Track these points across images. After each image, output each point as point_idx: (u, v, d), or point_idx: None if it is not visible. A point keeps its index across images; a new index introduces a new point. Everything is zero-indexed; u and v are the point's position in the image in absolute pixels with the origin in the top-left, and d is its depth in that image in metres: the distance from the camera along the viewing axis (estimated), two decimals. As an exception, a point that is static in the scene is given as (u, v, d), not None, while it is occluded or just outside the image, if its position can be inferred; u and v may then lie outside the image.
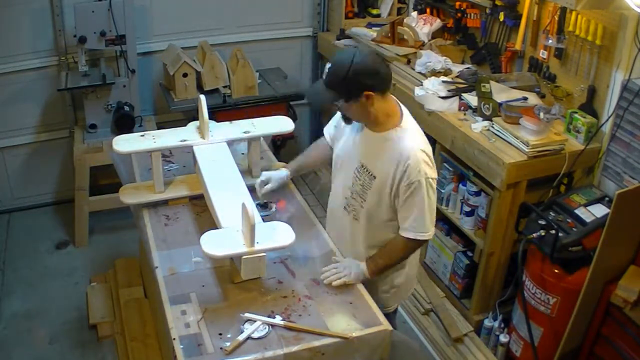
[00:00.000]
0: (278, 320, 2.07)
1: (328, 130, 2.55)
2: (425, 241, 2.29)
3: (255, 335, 2.01)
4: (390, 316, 2.47)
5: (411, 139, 2.19)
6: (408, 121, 2.25)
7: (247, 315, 2.08)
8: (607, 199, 2.79)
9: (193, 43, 4.12)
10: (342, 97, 2.13)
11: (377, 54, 2.20)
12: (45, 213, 4.29)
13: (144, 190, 2.69)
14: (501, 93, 3.03)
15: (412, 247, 2.31)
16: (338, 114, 2.41)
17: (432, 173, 2.20)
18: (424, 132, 2.30)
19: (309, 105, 2.34)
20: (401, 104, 2.30)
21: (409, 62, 3.73)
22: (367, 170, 2.26)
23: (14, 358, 3.15)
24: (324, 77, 2.16)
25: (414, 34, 3.90)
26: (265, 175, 2.59)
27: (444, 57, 3.58)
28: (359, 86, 2.10)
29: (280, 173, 2.62)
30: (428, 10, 4.09)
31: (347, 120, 2.28)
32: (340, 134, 2.43)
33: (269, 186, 2.57)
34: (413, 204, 2.19)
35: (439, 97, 3.23)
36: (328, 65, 2.16)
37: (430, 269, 3.58)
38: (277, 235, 2.17)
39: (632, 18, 2.66)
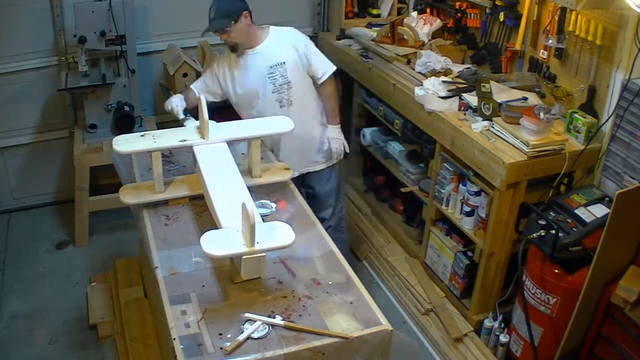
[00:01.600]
0: (278, 320, 2.07)
1: (196, 86, 3.21)
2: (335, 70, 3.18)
3: (255, 335, 2.01)
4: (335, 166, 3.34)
5: (283, 28, 3.17)
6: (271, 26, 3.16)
7: (247, 315, 2.08)
8: (607, 199, 2.79)
9: (193, 43, 4.12)
10: (230, 20, 2.91)
11: None
12: (45, 213, 4.29)
13: (144, 190, 2.69)
14: (501, 93, 3.03)
15: (335, 80, 3.22)
16: (210, 73, 3.20)
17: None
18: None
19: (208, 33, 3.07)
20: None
21: (409, 62, 3.73)
22: (276, 65, 3.05)
23: (14, 358, 3.15)
24: (212, 15, 2.94)
25: (414, 34, 3.90)
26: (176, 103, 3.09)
27: (444, 57, 3.58)
28: (239, 8, 2.94)
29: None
30: (428, 10, 4.09)
31: (234, 48, 3.04)
32: (226, 80, 3.14)
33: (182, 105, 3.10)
34: (316, 56, 3.14)
35: (439, 97, 3.23)
36: (211, 5, 2.93)
37: (430, 269, 3.58)
38: (277, 235, 2.17)
39: (632, 18, 2.66)
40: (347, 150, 3.29)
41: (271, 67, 3.06)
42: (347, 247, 3.59)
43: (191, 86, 3.25)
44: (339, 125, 3.23)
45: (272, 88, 3.08)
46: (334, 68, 3.16)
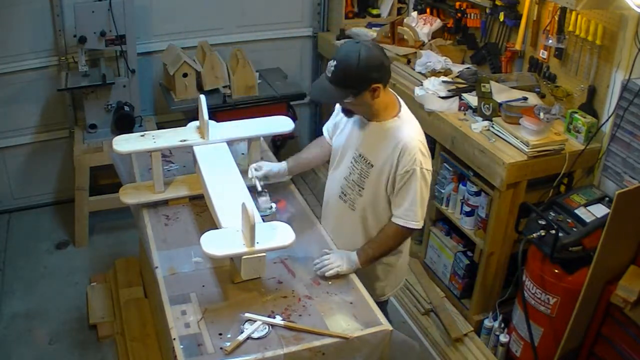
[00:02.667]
0: (278, 320, 2.07)
1: (327, 127, 2.58)
2: (415, 231, 2.32)
3: (255, 335, 2.01)
4: (383, 305, 2.51)
5: (409, 129, 2.25)
6: (406, 112, 2.31)
7: (247, 315, 2.08)
8: (607, 199, 2.79)
9: (193, 43, 4.12)
10: (351, 93, 2.16)
11: (378, 46, 2.24)
12: (45, 213, 4.29)
13: (144, 190, 2.69)
14: (501, 93, 3.03)
15: (402, 236, 2.35)
16: (337, 110, 2.47)
17: (427, 164, 2.24)
18: (424, 132, 2.31)
19: (314, 102, 2.23)
20: (398, 96, 2.36)
21: (409, 62, 3.73)
22: (364, 159, 2.32)
23: (14, 358, 3.15)
24: (329, 74, 2.16)
25: (414, 34, 3.90)
26: (262, 164, 2.59)
27: (444, 57, 3.58)
28: (368, 80, 2.13)
29: (279, 165, 2.62)
30: (428, 10, 4.09)
31: (349, 113, 2.33)
32: (338, 127, 2.48)
33: (261, 172, 2.54)
34: (407, 192, 2.24)
35: (439, 97, 3.23)
36: (332, 62, 2.16)
37: (430, 269, 3.58)
38: (277, 235, 2.17)
39: (632, 18, 2.66)
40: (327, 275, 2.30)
41: (360, 156, 2.33)
42: None
43: (324, 129, 2.58)
44: (359, 266, 2.33)
45: (346, 173, 2.40)
46: (415, 225, 2.27)
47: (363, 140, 2.32)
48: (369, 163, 2.30)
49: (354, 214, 2.40)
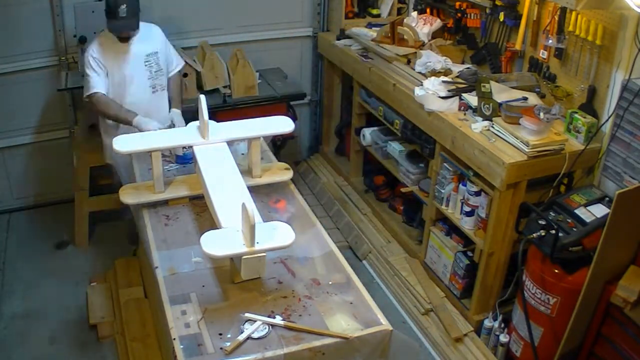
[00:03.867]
0: (278, 320, 2.07)
1: (101, 85, 3.20)
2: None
3: (255, 335, 2.02)
4: None
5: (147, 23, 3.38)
6: None
7: (247, 315, 2.08)
8: (607, 199, 2.79)
9: (193, 43, 4.13)
10: (138, 17, 3.18)
11: None
12: (45, 213, 4.29)
13: (144, 190, 2.69)
14: (501, 93, 3.03)
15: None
16: (97, 71, 3.19)
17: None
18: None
19: (124, 30, 3.19)
20: None
21: (409, 62, 3.73)
22: (152, 54, 3.31)
23: (14, 358, 3.15)
24: (124, 11, 3.05)
25: (414, 34, 3.90)
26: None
27: (444, 57, 3.58)
28: (138, 1, 3.17)
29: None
30: (428, 10, 4.09)
31: (126, 39, 3.21)
32: (109, 68, 3.21)
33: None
34: (172, 48, 3.53)
35: (439, 97, 3.23)
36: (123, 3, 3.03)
37: (430, 269, 3.58)
38: (277, 235, 2.18)
39: (632, 18, 2.66)
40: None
41: (147, 56, 3.30)
42: None
43: (98, 92, 3.21)
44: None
45: (148, 75, 3.31)
46: (184, 62, 3.62)
47: (138, 50, 3.29)
48: (155, 53, 3.36)
49: (163, 93, 3.44)
